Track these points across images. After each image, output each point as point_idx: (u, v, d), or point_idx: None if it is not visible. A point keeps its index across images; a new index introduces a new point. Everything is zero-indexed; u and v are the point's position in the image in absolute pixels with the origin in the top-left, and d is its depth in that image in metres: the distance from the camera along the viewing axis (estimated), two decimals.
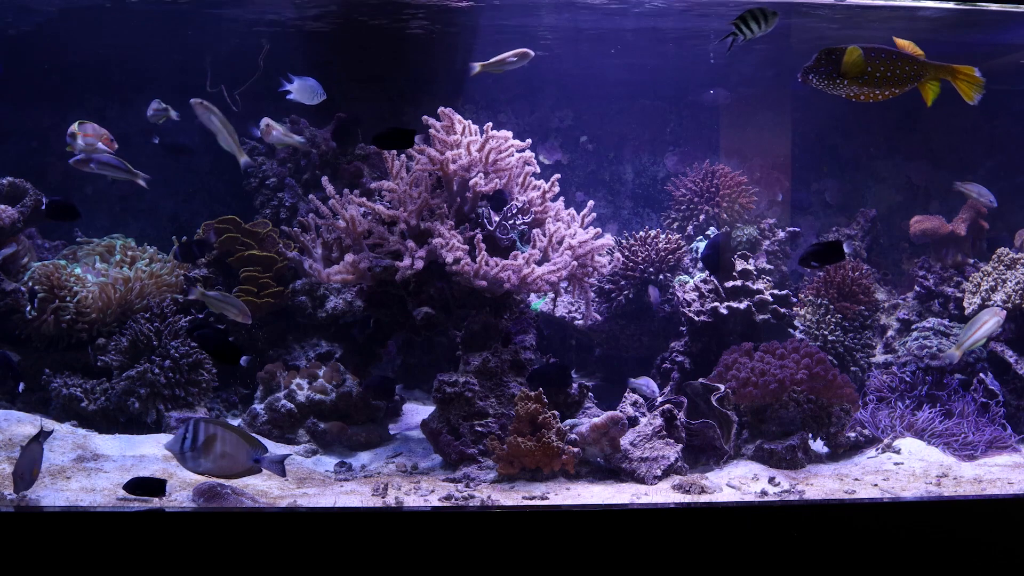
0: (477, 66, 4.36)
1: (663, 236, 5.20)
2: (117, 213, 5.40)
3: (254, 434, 4.39)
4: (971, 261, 5.68)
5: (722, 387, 4.19)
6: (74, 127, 4.23)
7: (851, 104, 7.09)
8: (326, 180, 4.32)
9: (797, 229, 5.89)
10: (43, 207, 4.24)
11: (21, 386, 3.96)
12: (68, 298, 4.53)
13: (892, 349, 5.27)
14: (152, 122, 4.67)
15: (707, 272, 4.92)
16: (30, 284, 4.51)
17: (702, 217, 5.84)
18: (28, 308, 4.41)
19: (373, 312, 4.57)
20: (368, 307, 4.54)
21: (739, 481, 3.81)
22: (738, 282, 4.93)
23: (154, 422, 4.32)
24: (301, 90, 4.39)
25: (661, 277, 5.08)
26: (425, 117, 4.27)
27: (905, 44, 2.86)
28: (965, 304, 5.15)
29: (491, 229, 4.23)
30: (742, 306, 4.86)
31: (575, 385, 4.18)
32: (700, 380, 4.31)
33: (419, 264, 4.02)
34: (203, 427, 3.06)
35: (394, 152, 4.36)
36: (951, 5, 4.76)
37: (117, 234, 5.33)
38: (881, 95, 2.87)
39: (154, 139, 5.32)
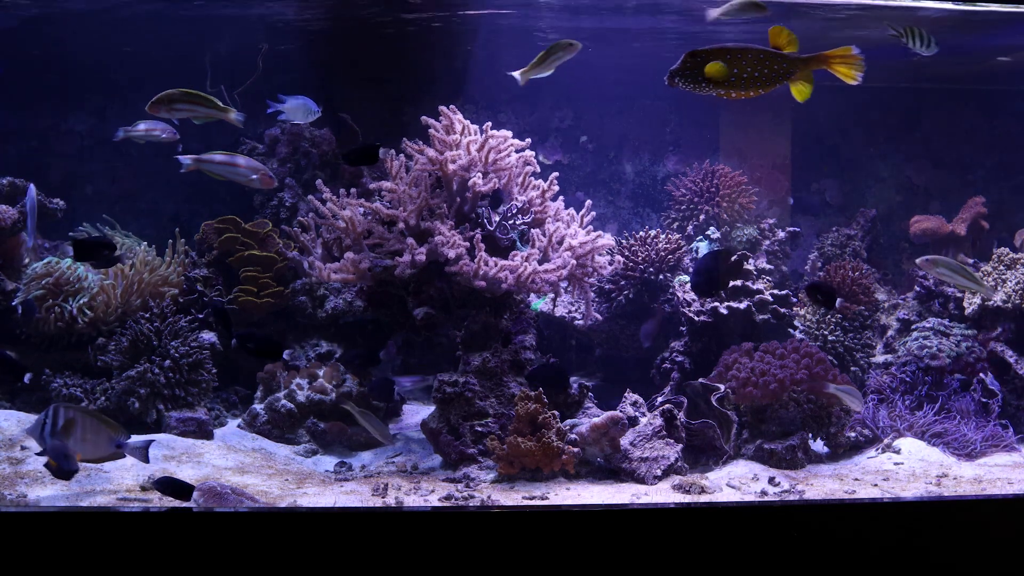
0: (519, 75, 3.93)
1: (663, 236, 5.20)
2: (117, 213, 5.39)
3: (255, 433, 4.42)
4: (971, 261, 5.68)
5: (722, 387, 4.19)
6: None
7: (851, 104, 7.09)
8: (320, 183, 4.32)
9: (797, 229, 5.89)
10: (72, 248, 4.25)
11: (27, 377, 3.95)
12: (70, 298, 4.53)
13: (892, 349, 5.27)
14: (137, 141, 4.65)
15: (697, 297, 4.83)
16: (26, 297, 4.50)
17: (702, 217, 5.84)
18: (21, 311, 4.42)
19: (373, 312, 4.56)
20: (368, 307, 4.54)
21: (739, 481, 3.80)
22: (738, 282, 4.93)
23: (154, 422, 4.32)
24: (293, 110, 4.37)
25: (661, 277, 5.08)
26: (424, 118, 4.27)
27: (779, 35, 2.78)
28: (965, 304, 5.15)
29: (491, 229, 4.23)
30: (742, 306, 4.86)
31: (575, 385, 4.18)
32: (700, 380, 4.31)
33: (420, 258, 4.02)
34: (63, 412, 3.10)
35: (393, 152, 4.36)
36: (951, 5, 4.76)
37: (116, 231, 5.34)
38: (750, 94, 2.81)
39: (179, 149, 5.33)
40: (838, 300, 4.59)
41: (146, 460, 3.28)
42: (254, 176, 3.91)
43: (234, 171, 4.10)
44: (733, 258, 4.85)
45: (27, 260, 4.79)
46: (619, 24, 5.49)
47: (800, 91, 2.82)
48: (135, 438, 3.29)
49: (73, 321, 4.51)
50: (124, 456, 3.22)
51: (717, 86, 2.77)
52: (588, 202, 4.42)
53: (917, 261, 4.32)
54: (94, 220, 5.34)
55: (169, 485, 3.23)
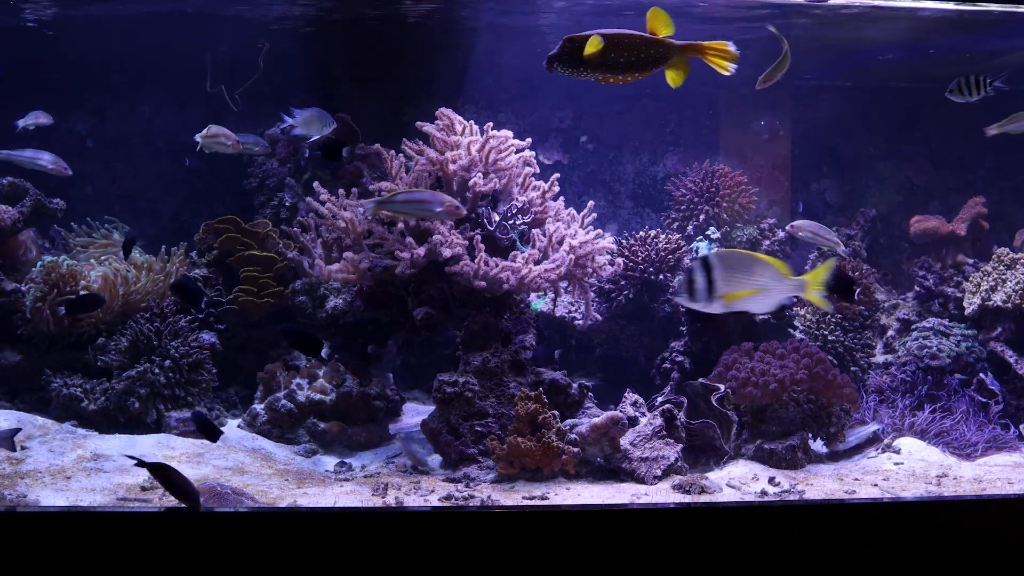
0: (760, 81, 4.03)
1: (663, 236, 5.20)
2: (117, 213, 5.39)
3: (255, 433, 4.42)
4: (971, 261, 5.68)
5: (722, 387, 4.19)
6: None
7: (851, 104, 7.09)
8: (317, 185, 4.32)
9: None
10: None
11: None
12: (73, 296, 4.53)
13: (892, 349, 5.27)
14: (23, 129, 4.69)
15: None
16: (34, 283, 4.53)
17: (702, 217, 5.84)
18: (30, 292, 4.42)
19: (373, 312, 4.56)
20: (368, 307, 4.54)
21: (739, 481, 3.81)
22: None
23: (154, 422, 4.32)
24: (306, 123, 4.37)
25: (661, 277, 5.07)
26: (419, 124, 4.27)
27: (656, 19, 2.79)
28: (965, 304, 5.15)
29: (491, 229, 4.23)
30: None
31: (575, 385, 4.18)
32: (700, 380, 4.31)
33: (419, 254, 4.02)
34: None
35: (393, 152, 4.36)
36: (951, 5, 4.76)
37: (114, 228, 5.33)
38: (627, 79, 2.84)
39: (184, 161, 5.38)
40: (856, 291, 4.64)
41: (12, 449, 3.27)
42: (439, 209, 3.78)
43: (421, 208, 3.85)
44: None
45: (35, 254, 4.81)
46: (620, 24, 5.48)
47: (674, 77, 2.88)
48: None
49: (74, 320, 4.51)
50: None
51: (595, 71, 2.80)
52: (591, 203, 4.41)
53: (787, 227, 4.99)
54: (94, 220, 5.35)
55: (202, 425, 3.40)
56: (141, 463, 2.90)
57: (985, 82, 4.27)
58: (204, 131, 4.51)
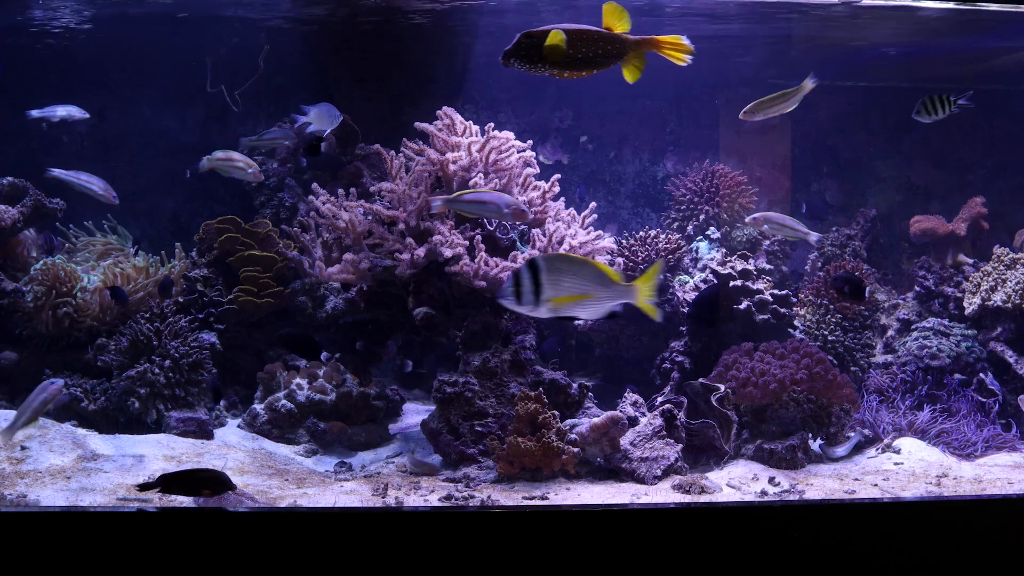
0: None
1: (663, 236, 5.20)
2: (117, 213, 5.39)
3: (255, 433, 4.42)
4: (971, 261, 5.68)
5: (722, 387, 4.19)
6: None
7: (851, 104, 7.08)
8: (316, 185, 4.32)
9: None
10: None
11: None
12: (71, 298, 4.53)
13: (892, 349, 5.26)
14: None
15: (690, 326, 4.84)
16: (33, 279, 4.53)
17: (702, 217, 5.84)
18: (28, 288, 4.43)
19: (373, 312, 4.56)
20: (368, 307, 4.54)
21: (739, 481, 3.81)
22: (738, 282, 4.93)
23: (154, 422, 4.32)
24: (320, 118, 4.38)
25: (661, 277, 5.07)
26: (419, 124, 4.27)
27: (613, 15, 2.79)
28: (965, 304, 5.15)
29: (491, 229, 4.23)
30: (742, 306, 4.86)
31: (575, 385, 4.18)
32: (700, 380, 4.31)
33: (419, 255, 4.02)
34: None
35: (393, 152, 4.36)
36: (951, 5, 4.76)
37: (114, 235, 5.33)
38: (583, 74, 2.83)
39: (186, 173, 5.40)
40: (868, 290, 4.65)
41: None
42: (506, 211, 3.79)
43: (487, 208, 3.86)
44: (732, 278, 4.89)
45: (35, 253, 4.81)
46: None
47: (631, 72, 2.87)
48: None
49: (74, 320, 4.51)
50: None
51: (553, 66, 2.78)
52: (592, 204, 4.41)
53: (747, 219, 4.96)
54: (94, 221, 5.35)
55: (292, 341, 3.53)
56: (147, 486, 2.92)
57: (950, 101, 4.35)
58: (212, 155, 4.55)
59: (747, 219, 4.93)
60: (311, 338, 4.16)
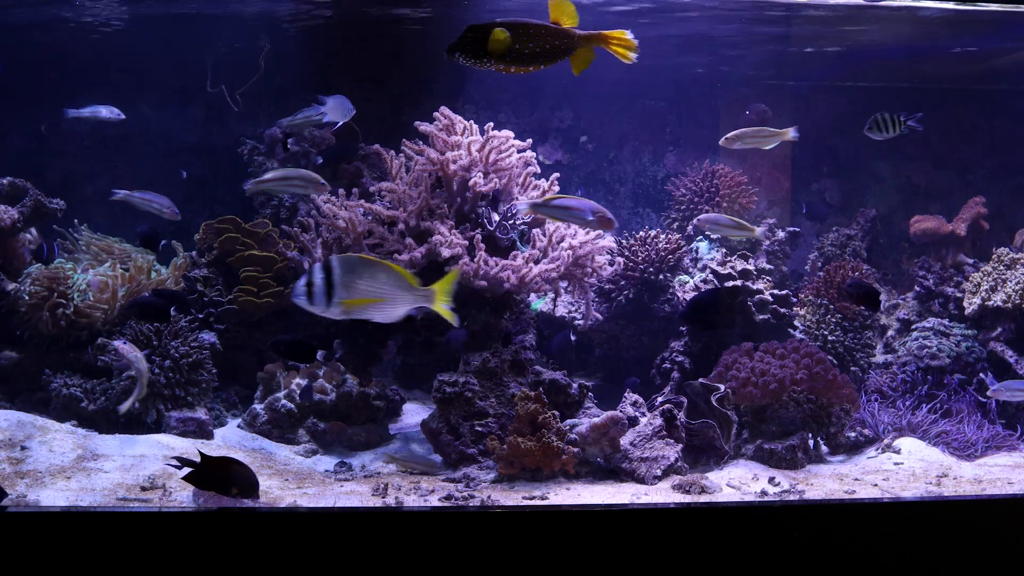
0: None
1: (663, 236, 5.20)
2: (117, 213, 5.39)
3: (255, 433, 4.42)
4: (971, 261, 5.68)
5: (722, 387, 4.19)
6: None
7: (851, 104, 7.07)
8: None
9: (797, 229, 5.88)
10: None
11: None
12: (68, 301, 4.53)
13: (892, 349, 5.26)
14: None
15: (687, 328, 4.85)
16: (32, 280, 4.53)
17: None
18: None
19: None
20: None
21: (739, 481, 3.81)
22: (738, 282, 4.93)
23: (154, 422, 4.32)
24: (335, 109, 4.39)
25: (661, 277, 5.08)
26: (418, 124, 4.27)
27: (559, 9, 2.75)
28: (965, 304, 5.15)
29: (491, 229, 4.23)
30: (744, 305, 4.86)
31: (575, 385, 4.18)
32: (700, 380, 4.31)
33: (419, 255, 4.01)
34: None
35: (393, 152, 4.36)
36: (951, 5, 4.76)
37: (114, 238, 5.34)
38: (530, 69, 2.81)
39: (182, 173, 5.39)
40: (880, 297, 4.66)
41: None
42: (591, 217, 3.77)
43: (572, 214, 3.85)
44: (731, 283, 4.88)
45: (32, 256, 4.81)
46: (620, 25, 5.48)
47: (578, 66, 2.84)
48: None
49: (73, 321, 4.51)
50: None
51: (499, 61, 2.75)
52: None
53: (695, 220, 4.98)
54: (94, 220, 5.34)
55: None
56: (186, 462, 2.98)
57: (899, 121, 4.55)
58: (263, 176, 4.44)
59: (692, 222, 5.03)
60: (304, 341, 4.13)
